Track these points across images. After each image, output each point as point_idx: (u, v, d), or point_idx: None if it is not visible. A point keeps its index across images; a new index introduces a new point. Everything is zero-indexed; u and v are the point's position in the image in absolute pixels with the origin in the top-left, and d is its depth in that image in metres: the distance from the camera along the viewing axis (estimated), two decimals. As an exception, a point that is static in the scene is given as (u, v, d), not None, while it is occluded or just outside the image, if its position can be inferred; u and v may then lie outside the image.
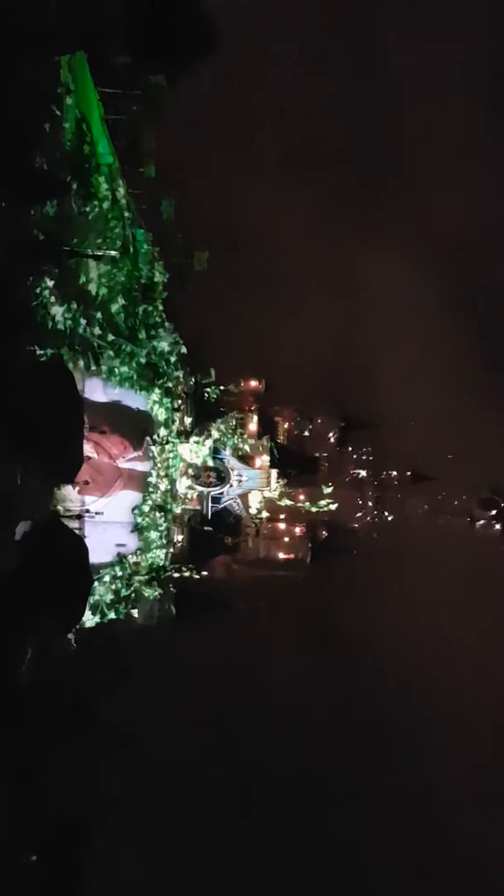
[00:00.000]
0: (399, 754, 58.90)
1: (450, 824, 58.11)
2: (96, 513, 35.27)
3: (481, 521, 48.27)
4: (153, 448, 37.30)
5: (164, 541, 37.87)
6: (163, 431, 37.61)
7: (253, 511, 43.41)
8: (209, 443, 40.75)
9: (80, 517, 32.69)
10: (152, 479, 37.26)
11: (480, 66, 67.92)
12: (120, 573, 35.08)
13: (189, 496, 40.69)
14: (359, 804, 58.49)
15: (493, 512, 47.65)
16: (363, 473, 47.15)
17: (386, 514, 47.65)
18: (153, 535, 37.11)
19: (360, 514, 46.80)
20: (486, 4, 66.19)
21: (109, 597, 34.12)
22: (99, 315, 31.31)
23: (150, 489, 37.19)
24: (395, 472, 48.30)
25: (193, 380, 40.92)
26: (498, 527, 47.66)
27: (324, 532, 45.74)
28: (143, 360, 35.05)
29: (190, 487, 40.72)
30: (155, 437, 37.28)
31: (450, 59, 68.19)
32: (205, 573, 41.11)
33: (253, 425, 43.22)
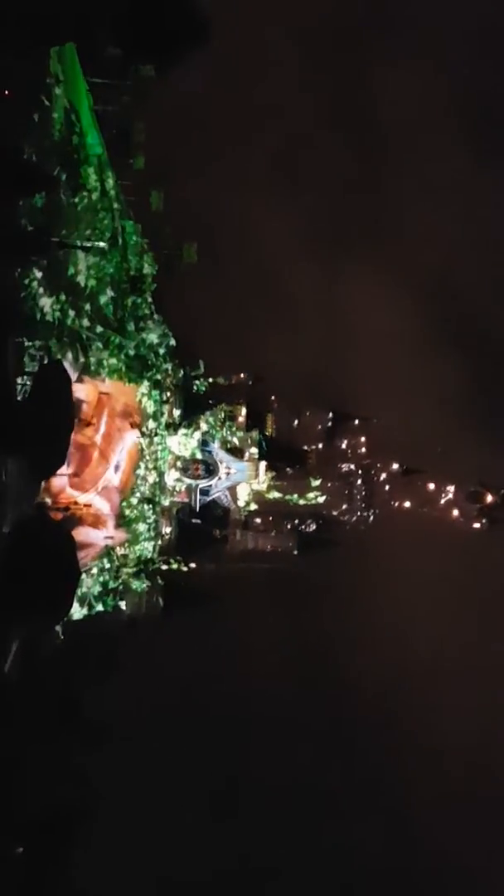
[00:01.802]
0: (379, 739, 59.25)
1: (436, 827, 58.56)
2: (84, 505, 35.28)
3: (468, 514, 48.46)
4: (142, 440, 37.32)
5: (153, 533, 37.92)
6: (151, 424, 37.59)
7: (241, 503, 43.44)
8: (198, 435, 40.76)
9: (67, 509, 32.70)
10: (141, 472, 37.30)
11: (471, 96, 68.62)
12: (108, 565, 35.10)
13: (177, 488, 40.72)
14: (343, 788, 58.85)
15: (480, 505, 47.84)
16: (352, 466, 47.22)
17: (374, 506, 47.75)
18: (141, 527, 37.14)
19: (347, 507, 46.89)
20: (478, 38, 66.81)
21: (97, 589, 34.16)
22: (88, 307, 31.21)
23: (139, 481, 37.23)
24: (383, 466, 48.38)
25: (182, 372, 40.87)
26: (485, 520, 47.85)
27: (311, 524, 45.83)
28: (131, 353, 34.97)
29: (178, 480, 40.74)
30: (143, 429, 37.27)
31: (442, 88, 68.95)
32: (193, 565, 41.18)
33: (241, 418, 43.19)
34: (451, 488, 48.89)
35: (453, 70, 67.49)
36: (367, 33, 67.07)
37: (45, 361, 26.22)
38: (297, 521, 45.92)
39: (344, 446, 47.74)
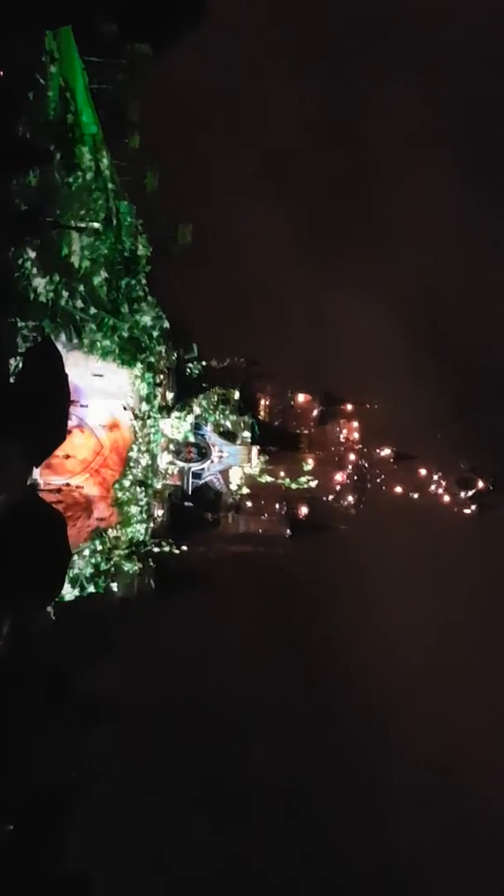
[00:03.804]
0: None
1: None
2: (76, 486, 35.32)
3: (459, 500, 48.56)
4: (135, 423, 37.30)
5: (145, 516, 37.93)
6: (144, 406, 37.53)
7: (234, 487, 43.42)
8: (191, 418, 40.70)
9: (59, 491, 32.71)
10: (133, 454, 37.29)
11: (464, 126, 69.10)
12: (100, 547, 35.16)
13: (170, 471, 40.68)
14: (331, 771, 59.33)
15: (472, 492, 47.93)
16: (344, 451, 47.23)
17: (365, 491, 47.78)
18: (133, 509, 37.18)
19: (339, 492, 46.92)
20: (477, 67, 67.15)
21: (89, 570, 34.23)
22: (81, 288, 31.10)
23: (132, 464, 37.22)
24: (376, 450, 48.40)
25: (176, 355, 40.72)
26: (475, 506, 47.94)
27: (303, 509, 45.88)
28: (125, 334, 34.88)
29: (171, 463, 40.70)
30: (136, 412, 37.23)
31: (438, 116, 69.35)
32: (185, 548, 41.19)
33: (235, 402, 43.10)
34: (443, 474, 48.96)
35: (450, 96, 68.07)
36: (365, 51, 67.28)
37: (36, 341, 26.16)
38: (288, 505, 45.92)
39: (336, 431, 47.71)
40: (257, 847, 56.30)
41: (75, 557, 32.62)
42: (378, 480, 47.72)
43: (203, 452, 41.42)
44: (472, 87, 68.15)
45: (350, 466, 46.76)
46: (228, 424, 42.34)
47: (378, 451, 47.91)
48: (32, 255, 26.91)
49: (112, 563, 35.92)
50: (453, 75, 67.58)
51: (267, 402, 45.89)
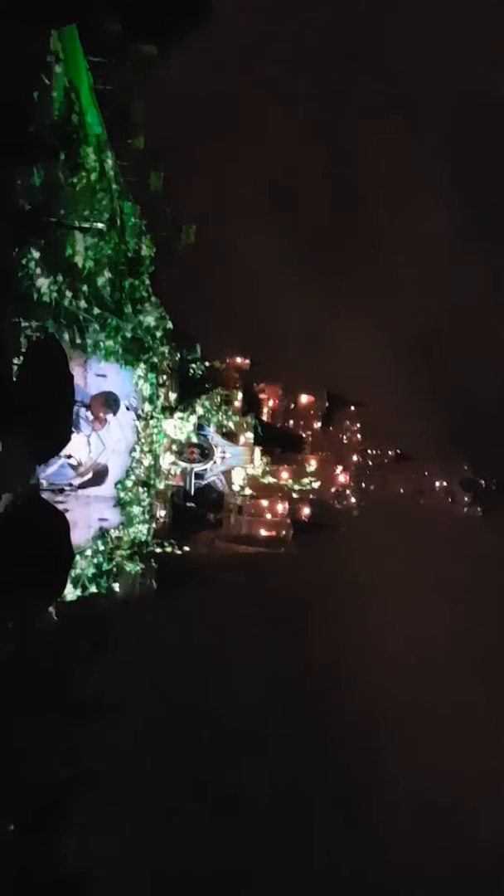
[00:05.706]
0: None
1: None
2: (79, 486, 35.34)
3: (462, 501, 48.47)
4: (137, 423, 37.34)
5: (147, 516, 37.93)
6: (147, 407, 37.56)
7: (236, 488, 43.39)
8: (193, 419, 40.66)
9: (62, 491, 32.74)
10: (136, 454, 37.34)
11: (462, 163, 69.97)
12: (102, 547, 35.19)
13: (172, 472, 40.66)
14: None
15: (475, 494, 47.84)
16: (347, 452, 47.19)
17: (368, 492, 47.73)
18: (136, 510, 37.20)
19: (342, 492, 46.87)
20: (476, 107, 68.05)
21: (91, 571, 34.26)
22: (85, 288, 31.13)
23: (134, 464, 37.26)
24: (379, 452, 48.34)
25: (179, 355, 40.70)
26: (478, 509, 47.86)
27: (306, 510, 45.84)
28: (128, 335, 34.91)
29: (173, 463, 40.68)
30: (139, 412, 37.27)
31: (434, 155, 70.17)
32: (187, 548, 41.19)
33: (238, 402, 43.04)
34: (446, 475, 48.87)
35: (452, 136, 69.06)
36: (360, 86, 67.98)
37: (37, 338, 26.16)
38: (291, 506, 45.88)
39: (340, 432, 47.68)
40: (254, 847, 56.34)
41: (77, 557, 32.66)
42: (381, 482, 47.69)
43: (206, 453, 41.38)
44: (470, 123, 69.13)
45: (353, 468, 46.73)
46: (231, 425, 42.28)
47: (381, 452, 47.89)
48: (36, 254, 26.96)
49: (114, 563, 35.95)
50: (452, 109, 68.61)
51: (270, 404, 45.89)
